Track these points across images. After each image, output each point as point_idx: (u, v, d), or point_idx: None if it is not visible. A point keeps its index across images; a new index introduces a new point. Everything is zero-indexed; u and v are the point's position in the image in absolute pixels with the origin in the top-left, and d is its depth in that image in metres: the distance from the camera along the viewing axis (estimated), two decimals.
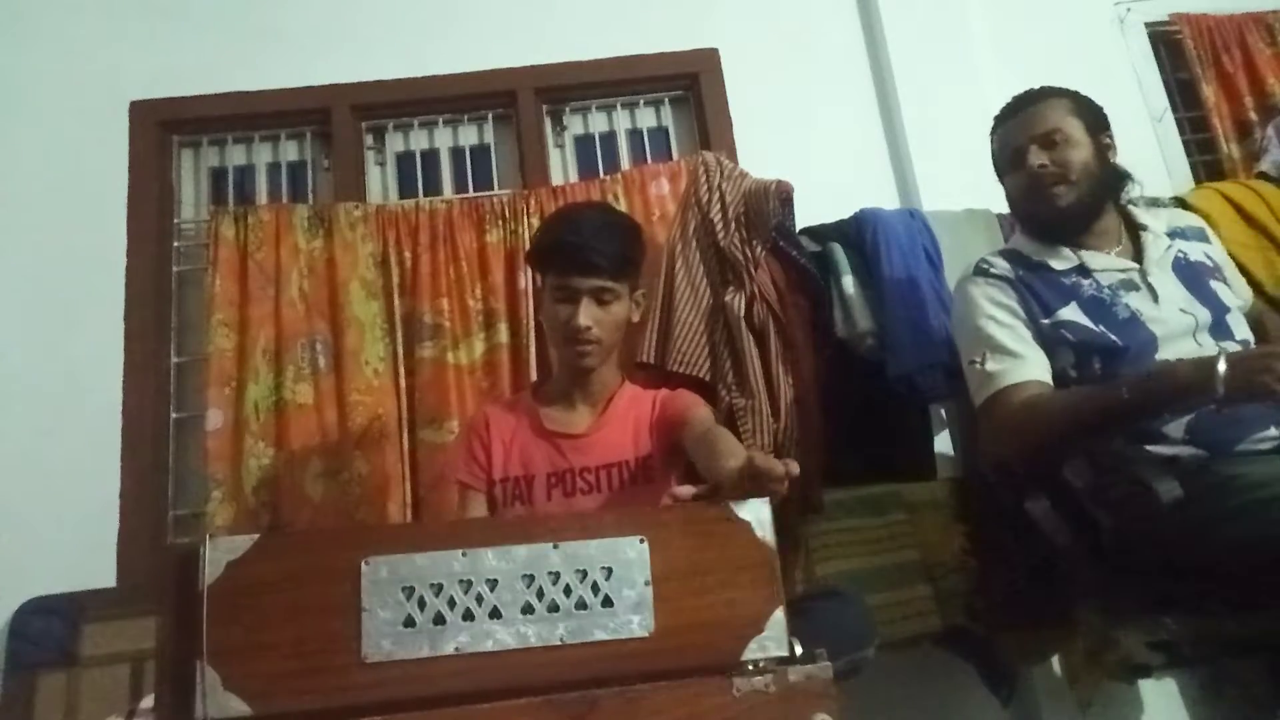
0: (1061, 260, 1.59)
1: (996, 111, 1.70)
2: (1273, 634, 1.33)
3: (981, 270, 1.63)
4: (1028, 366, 1.49)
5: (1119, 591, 1.45)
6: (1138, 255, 1.59)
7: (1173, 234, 1.63)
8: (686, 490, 1.06)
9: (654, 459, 1.51)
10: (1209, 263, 1.61)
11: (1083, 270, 1.57)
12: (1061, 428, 1.43)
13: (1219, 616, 1.34)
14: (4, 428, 2.11)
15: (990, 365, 1.51)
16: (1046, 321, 1.53)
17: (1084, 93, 1.66)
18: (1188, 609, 1.37)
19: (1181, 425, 1.40)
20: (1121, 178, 1.64)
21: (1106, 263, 1.58)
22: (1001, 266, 1.61)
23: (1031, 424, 1.45)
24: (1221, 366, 1.26)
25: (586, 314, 1.47)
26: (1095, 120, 1.61)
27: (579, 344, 1.49)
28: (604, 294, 1.48)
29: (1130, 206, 1.68)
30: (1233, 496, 1.24)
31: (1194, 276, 1.56)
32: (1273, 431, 1.37)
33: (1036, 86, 1.66)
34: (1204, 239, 1.67)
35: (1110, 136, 1.62)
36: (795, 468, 0.98)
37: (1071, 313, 1.53)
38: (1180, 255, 1.59)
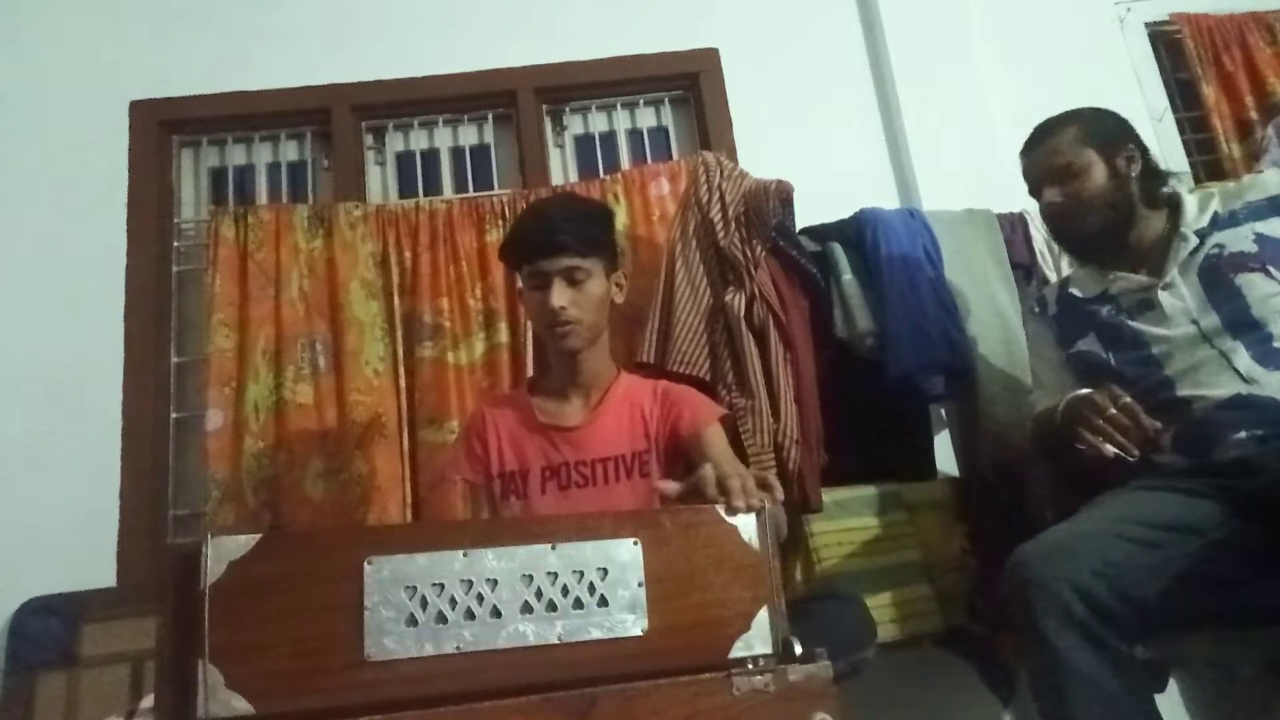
0: (1088, 287, 1.64)
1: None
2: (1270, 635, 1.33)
3: (1029, 308, 1.81)
4: (1050, 397, 1.60)
5: None
6: (1161, 266, 1.54)
7: (1221, 223, 1.53)
8: (671, 486, 1.07)
9: (652, 453, 1.51)
10: (1252, 249, 1.48)
11: (1105, 296, 1.60)
12: (1041, 446, 1.60)
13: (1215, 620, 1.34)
14: (4, 428, 2.12)
15: (1033, 396, 1.73)
16: (1069, 352, 1.64)
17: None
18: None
19: (1169, 435, 1.43)
20: (1158, 179, 1.62)
21: (1128, 283, 1.57)
22: (1046, 301, 1.74)
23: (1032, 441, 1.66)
24: (1060, 407, 1.40)
25: (559, 295, 1.47)
26: (1110, 139, 1.59)
27: (557, 326, 1.49)
28: (575, 273, 1.49)
29: (1186, 195, 1.60)
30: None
31: (1218, 277, 1.48)
32: (1242, 435, 1.36)
33: (1053, 115, 1.65)
34: (1273, 212, 1.52)
35: (1133, 148, 1.59)
36: (763, 501, 0.98)
37: (1088, 343, 1.60)
38: (1214, 252, 1.50)
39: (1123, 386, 1.46)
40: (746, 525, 0.93)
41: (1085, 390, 1.41)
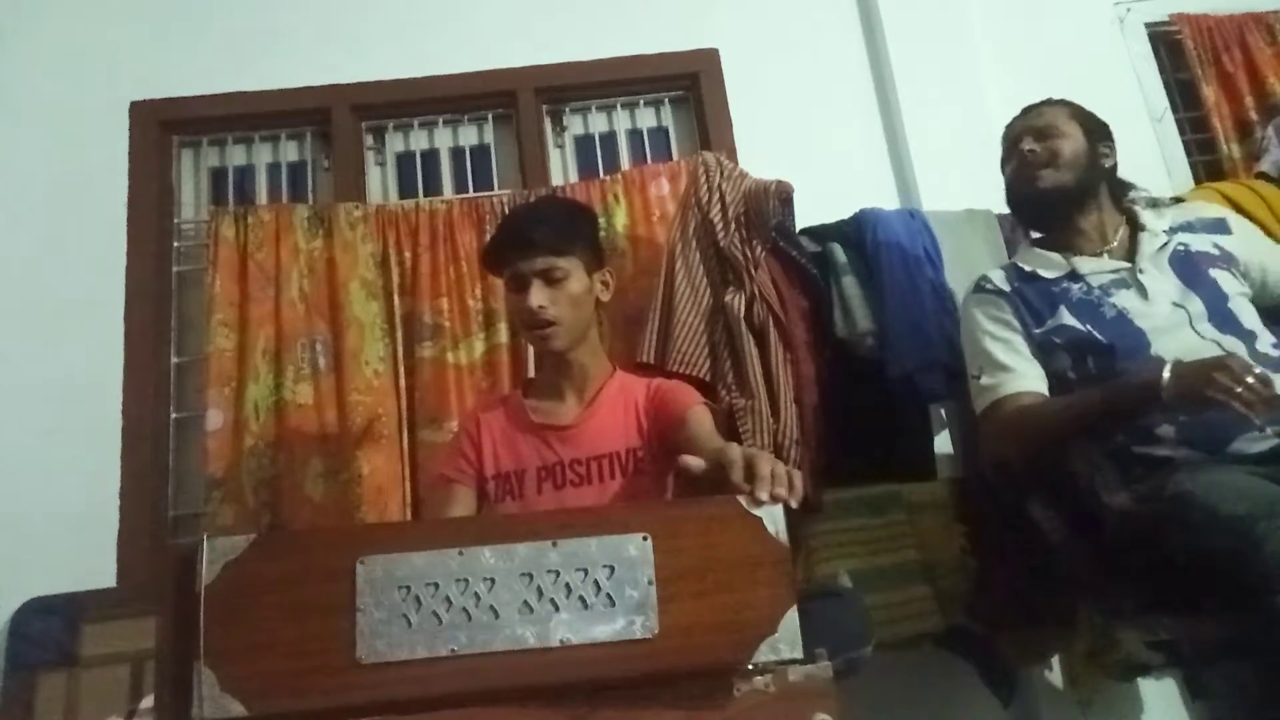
0: (1052, 268, 1.63)
1: (999, 116, 1.77)
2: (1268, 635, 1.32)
3: (979, 287, 1.70)
4: (1018, 379, 1.55)
5: (1117, 591, 1.44)
6: (1132, 254, 1.61)
7: (1177, 229, 1.64)
8: (695, 462, 1.04)
9: (646, 449, 1.49)
10: (1215, 252, 1.59)
11: (1072, 275, 1.61)
12: (1048, 433, 1.49)
13: (1212, 617, 1.33)
14: (4, 428, 2.11)
15: (985, 379, 1.59)
16: (1039, 330, 1.59)
17: (1085, 96, 1.72)
18: (1183, 609, 1.37)
19: (1173, 427, 1.40)
20: (1124, 187, 1.70)
21: (1096, 265, 1.61)
22: (998, 281, 1.68)
23: (1022, 431, 1.53)
24: (1166, 375, 1.31)
25: (537, 295, 1.46)
26: (1096, 128, 1.67)
27: (537, 327, 1.49)
28: (552, 273, 1.48)
29: (1136, 208, 1.70)
30: (1181, 509, 1.23)
31: (1192, 268, 1.56)
32: (1268, 431, 1.35)
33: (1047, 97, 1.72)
34: (1221, 230, 1.65)
35: (1110, 148, 1.68)
36: (792, 494, 0.92)
37: (1061, 318, 1.57)
38: (1180, 248, 1.60)
39: (1111, 358, 1.48)
40: (773, 517, 0.88)
41: (1203, 358, 1.35)
